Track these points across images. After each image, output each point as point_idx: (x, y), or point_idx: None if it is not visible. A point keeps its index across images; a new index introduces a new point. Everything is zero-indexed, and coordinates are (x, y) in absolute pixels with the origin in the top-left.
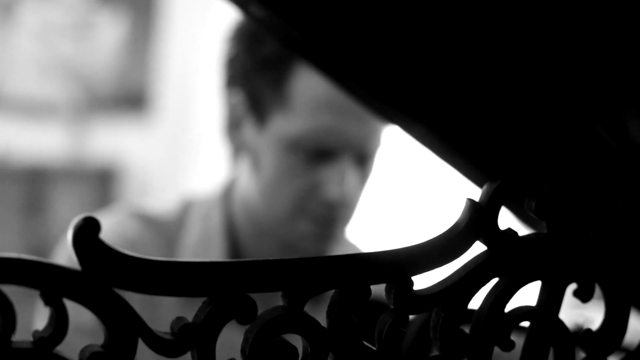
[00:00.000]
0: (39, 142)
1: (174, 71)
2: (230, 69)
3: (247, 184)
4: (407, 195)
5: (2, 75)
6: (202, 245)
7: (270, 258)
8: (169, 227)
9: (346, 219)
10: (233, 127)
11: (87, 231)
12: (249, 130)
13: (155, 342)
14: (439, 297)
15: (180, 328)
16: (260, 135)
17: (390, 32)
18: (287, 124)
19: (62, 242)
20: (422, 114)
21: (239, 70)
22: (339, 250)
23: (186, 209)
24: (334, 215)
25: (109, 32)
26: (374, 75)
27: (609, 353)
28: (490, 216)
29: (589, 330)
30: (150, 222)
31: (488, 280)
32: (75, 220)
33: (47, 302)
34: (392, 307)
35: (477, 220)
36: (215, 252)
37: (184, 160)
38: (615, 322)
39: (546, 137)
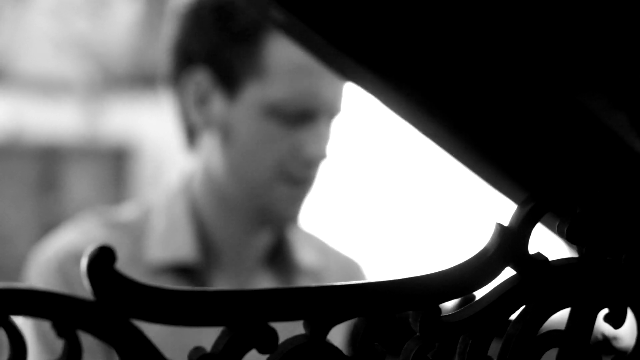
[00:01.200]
0: (53, 120)
1: None
2: (192, 46)
3: (214, 162)
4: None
5: (17, 52)
6: (169, 234)
7: (238, 236)
8: (134, 226)
9: (315, 178)
10: (199, 103)
11: (102, 261)
12: (217, 105)
13: None
14: (466, 324)
15: (199, 358)
16: (232, 108)
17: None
18: (264, 91)
19: (34, 258)
20: (450, 116)
21: (204, 46)
22: (299, 239)
23: (147, 209)
24: (312, 174)
25: (125, 10)
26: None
27: None
28: (521, 241)
29: (622, 354)
30: (115, 226)
31: (518, 308)
32: (90, 250)
33: (60, 334)
34: (418, 334)
35: (507, 246)
36: (182, 237)
37: None
38: None
39: (580, 156)
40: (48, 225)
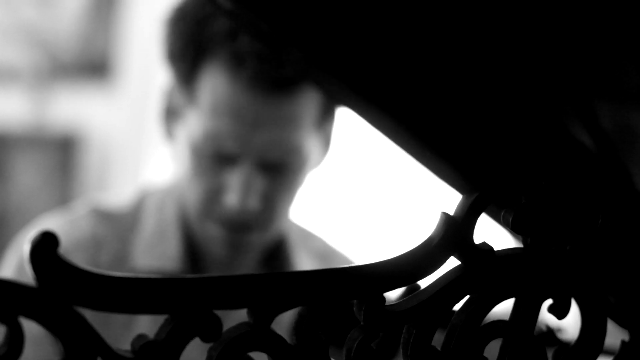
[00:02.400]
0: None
1: (138, 38)
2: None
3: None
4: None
5: None
6: (157, 237)
7: (226, 248)
8: (124, 220)
9: (261, 225)
10: (168, 116)
11: (45, 246)
12: (177, 123)
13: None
14: (411, 314)
15: (142, 346)
16: (181, 130)
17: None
18: (194, 122)
19: (12, 246)
20: (398, 111)
21: (167, 60)
22: (297, 241)
23: (141, 200)
24: (241, 220)
25: None
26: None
27: None
28: (465, 231)
29: (565, 345)
30: (106, 217)
31: (462, 297)
32: (33, 235)
33: (1, 320)
34: (362, 323)
35: (451, 235)
36: (169, 244)
37: (147, 129)
38: (591, 337)
39: (524, 147)
40: None
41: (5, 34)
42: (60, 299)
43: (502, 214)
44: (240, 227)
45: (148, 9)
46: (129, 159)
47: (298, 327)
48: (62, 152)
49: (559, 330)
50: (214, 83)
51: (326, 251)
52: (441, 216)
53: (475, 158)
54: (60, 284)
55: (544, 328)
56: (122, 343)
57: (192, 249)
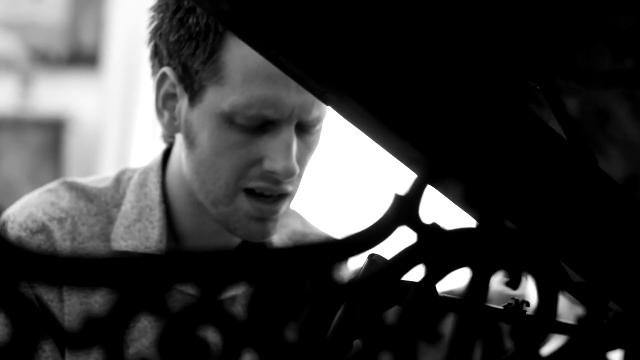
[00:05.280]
0: None
1: (124, 27)
2: (159, 41)
3: (184, 161)
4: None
5: None
6: (137, 212)
7: (209, 233)
8: (102, 196)
9: (291, 195)
10: (166, 101)
11: None
12: (183, 106)
13: (62, 336)
14: (360, 287)
15: (85, 321)
16: (194, 111)
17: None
18: (221, 97)
19: None
20: (355, 89)
21: (168, 43)
22: (284, 220)
23: (120, 177)
24: (279, 190)
25: None
26: (304, 48)
27: (542, 340)
28: (413, 204)
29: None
30: (84, 192)
31: (411, 268)
32: None
33: None
34: (314, 299)
35: (399, 205)
36: (151, 224)
37: (133, 118)
38: (544, 310)
39: (478, 124)
40: None
41: None
42: (4, 276)
43: (452, 192)
44: (280, 195)
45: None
46: (115, 146)
47: (249, 302)
48: (47, 142)
49: (525, 303)
50: (241, 53)
51: (304, 228)
52: (394, 194)
53: (429, 133)
54: (3, 261)
55: (511, 302)
56: None
57: (175, 231)
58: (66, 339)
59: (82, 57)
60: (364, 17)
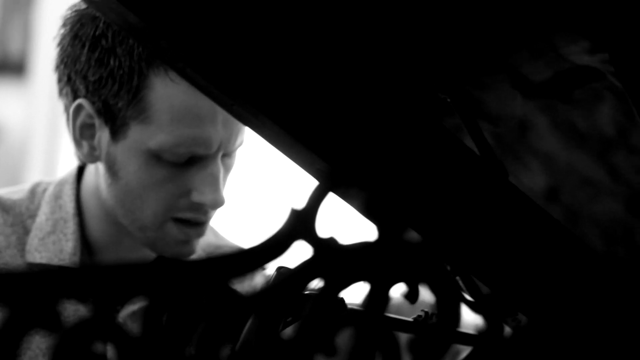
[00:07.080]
0: None
1: (52, 36)
2: (74, 76)
3: (105, 188)
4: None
5: None
6: (51, 225)
7: (125, 248)
8: (18, 206)
9: (212, 217)
10: (85, 131)
11: None
12: (103, 138)
13: None
14: (257, 300)
15: None
16: (117, 146)
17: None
18: (148, 136)
19: None
20: (261, 101)
21: (86, 81)
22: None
23: (35, 189)
24: (206, 219)
25: None
26: (211, 60)
27: (442, 352)
28: (309, 218)
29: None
30: (4, 208)
31: (308, 282)
32: None
33: None
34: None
35: (295, 220)
36: (65, 237)
37: (60, 127)
38: (444, 324)
39: (382, 136)
40: None
41: None
42: None
43: (354, 204)
44: (204, 223)
45: (63, 7)
46: (42, 154)
47: (143, 317)
48: None
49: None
50: (168, 94)
51: (217, 244)
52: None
53: (334, 144)
54: None
55: (421, 314)
56: None
57: (89, 245)
58: None
59: (8, 65)
60: (268, 29)
